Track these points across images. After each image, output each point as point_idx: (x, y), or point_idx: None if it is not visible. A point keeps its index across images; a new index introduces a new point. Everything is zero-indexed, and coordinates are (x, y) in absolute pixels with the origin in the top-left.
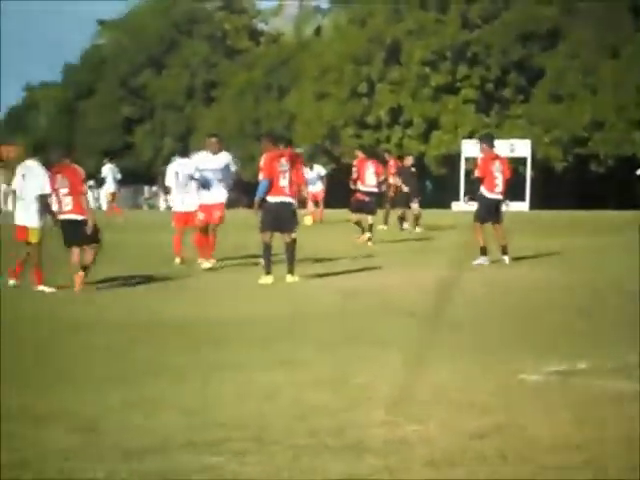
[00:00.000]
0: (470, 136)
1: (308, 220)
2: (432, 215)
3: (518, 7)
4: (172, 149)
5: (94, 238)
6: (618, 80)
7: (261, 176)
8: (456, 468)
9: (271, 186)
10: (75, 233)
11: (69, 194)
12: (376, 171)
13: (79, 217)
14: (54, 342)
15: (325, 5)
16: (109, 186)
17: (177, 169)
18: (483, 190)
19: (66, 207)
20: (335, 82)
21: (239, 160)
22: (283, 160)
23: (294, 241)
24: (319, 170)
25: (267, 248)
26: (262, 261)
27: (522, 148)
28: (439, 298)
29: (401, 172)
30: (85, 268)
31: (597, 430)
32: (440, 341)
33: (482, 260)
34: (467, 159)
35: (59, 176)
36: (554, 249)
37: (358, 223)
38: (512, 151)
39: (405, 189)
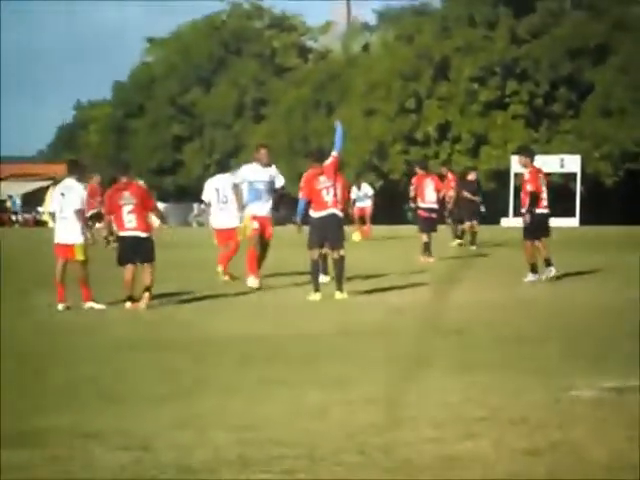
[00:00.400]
0: (519, 152)
1: (356, 236)
2: (482, 231)
3: (567, 22)
4: (221, 165)
5: (153, 256)
6: None
7: (300, 195)
8: None
9: (314, 203)
10: (136, 250)
11: (134, 211)
12: (436, 187)
13: (143, 234)
14: (105, 359)
15: (373, 22)
16: None
17: (217, 185)
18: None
19: (129, 224)
20: (383, 98)
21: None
22: (323, 177)
23: (342, 258)
24: (366, 190)
25: (315, 265)
26: (311, 278)
27: (572, 163)
28: (485, 315)
29: (465, 187)
30: (148, 287)
31: None
32: (488, 359)
33: (532, 277)
34: (516, 174)
35: (126, 193)
36: (604, 265)
37: (427, 244)
38: (562, 166)
39: (477, 199)
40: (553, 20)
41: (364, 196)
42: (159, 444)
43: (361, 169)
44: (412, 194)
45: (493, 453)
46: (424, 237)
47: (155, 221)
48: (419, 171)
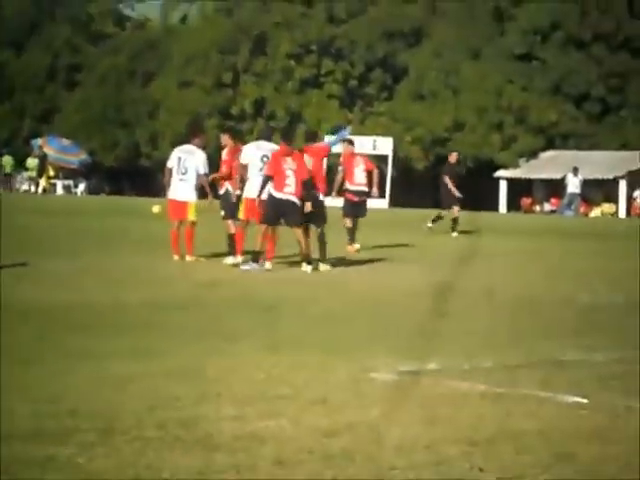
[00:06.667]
0: (333, 132)
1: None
2: None
3: (384, 4)
4: (32, 130)
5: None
6: (478, 82)
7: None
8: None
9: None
10: (289, 213)
11: (295, 177)
12: (366, 167)
13: (296, 199)
14: None
15: None
16: None
17: (179, 154)
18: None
19: (287, 188)
20: (200, 71)
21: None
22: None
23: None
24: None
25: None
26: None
27: (384, 146)
28: (295, 293)
29: (447, 170)
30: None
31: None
32: (295, 337)
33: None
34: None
35: (289, 159)
36: (410, 248)
37: (351, 229)
38: (374, 148)
39: (457, 194)
40: (370, 1)
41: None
42: None
43: (177, 141)
44: (340, 175)
45: (292, 431)
46: (347, 222)
47: None
48: (348, 148)
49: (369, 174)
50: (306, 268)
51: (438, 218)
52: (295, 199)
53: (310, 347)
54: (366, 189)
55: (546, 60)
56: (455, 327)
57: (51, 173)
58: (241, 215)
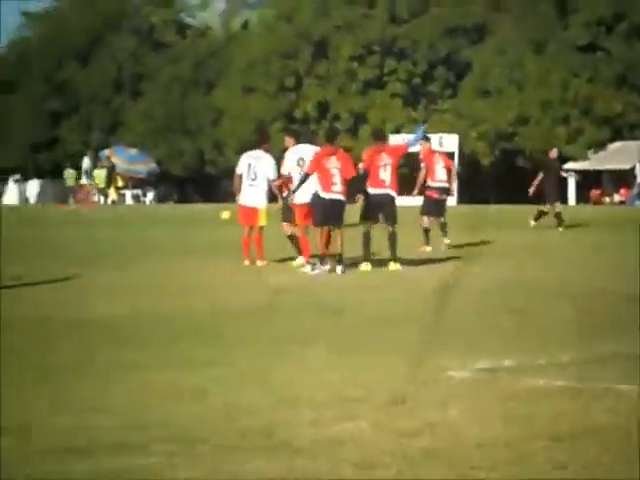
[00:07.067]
0: (398, 131)
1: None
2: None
3: (445, 2)
4: (100, 142)
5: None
6: (543, 76)
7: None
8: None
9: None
10: (336, 213)
11: (340, 176)
12: (446, 165)
13: (343, 198)
14: None
15: (253, 0)
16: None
17: (249, 160)
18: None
19: (334, 187)
20: (262, 76)
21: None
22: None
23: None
24: None
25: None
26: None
27: (450, 142)
28: (360, 296)
29: (546, 166)
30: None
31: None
32: (366, 339)
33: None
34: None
35: (333, 158)
36: (486, 246)
37: (427, 230)
38: (440, 145)
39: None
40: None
41: None
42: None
43: (241, 148)
44: (423, 172)
45: (371, 433)
46: (425, 221)
47: None
48: (426, 145)
49: (449, 171)
50: (338, 269)
51: (542, 214)
52: (342, 197)
53: (383, 348)
54: (447, 185)
55: (610, 51)
56: (529, 323)
57: (120, 183)
58: (298, 221)
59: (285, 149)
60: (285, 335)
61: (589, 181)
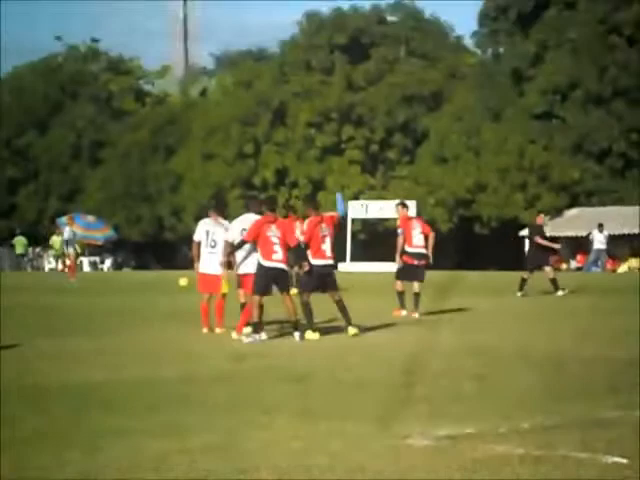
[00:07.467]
0: (356, 197)
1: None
2: None
3: (402, 70)
4: (57, 209)
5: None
6: (500, 143)
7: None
8: None
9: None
10: (278, 280)
11: (280, 244)
12: (423, 231)
13: (285, 267)
14: None
15: (211, 66)
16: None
17: (207, 227)
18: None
19: (275, 255)
20: (222, 143)
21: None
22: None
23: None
24: None
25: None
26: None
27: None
28: (326, 361)
29: (533, 231)
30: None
31: None
32: (330, 405)
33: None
34: (353, 220)
35: (273, 226)
36: (440, 311)
37: (401, 293)
38: (398, 212)
39: (557, 247)
40: (388, 67)
41: None
42: None
43: (200, 214)
44: (400, 239)
45: None
46: (399, 285)
47: None
48: (402, 211)
49: (426, 237)
50: (295, 335)
51: (524, 281)
52: (283, 266)
53: (344, 415)
54: (425, 251)
55: (566, 119)
56: (489, 389)
57: (78, 250)
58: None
59: (304, 217)
60: (249, 402)
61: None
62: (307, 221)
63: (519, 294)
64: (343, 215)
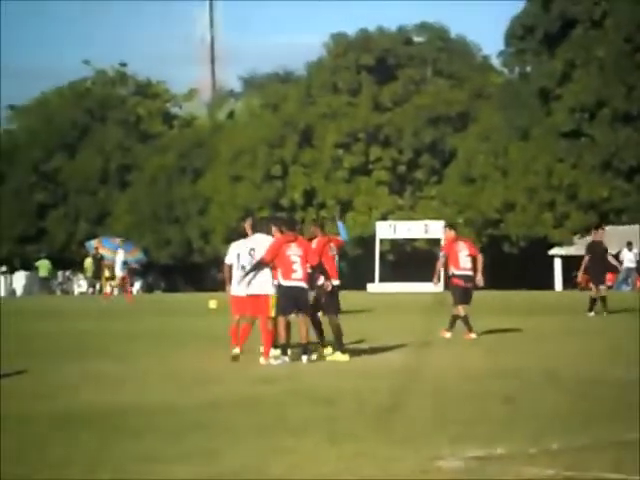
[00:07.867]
0: (384, 217)
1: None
2: (349, 297)
3: (428, 90)
4: (86, 233)
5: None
6: (528, 162)
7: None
8: None
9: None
10: (298, 300)
11: (301, 263)
12: (470, 252)
13: (305, 285)
14: None
15: (238, 89)
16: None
17: (238, 250)
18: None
19: (294, 274)
20: (249, 165)
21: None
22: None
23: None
24: None
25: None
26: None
27: (436, 229)
28: (354, 383)
29: (591, 249)
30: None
31: None
32: (359, 428)
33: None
34: (382, 240)
35: (293, 245)
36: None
37: (465, 317)
38: (426, 232)
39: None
40: (415, 88)
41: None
42: None
43: (227, 237)
44: (442, 260)
45: None
46: (461, 310)
47: None
48: (449, 233)
49: (474, 259)
50: (302, 358)
51: (594, 301)
52: (304, 284)
53: (373, 438)
54: (471, 274)
55: (594, 137)
56: (519, 410)
57: (107, 274)
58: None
59: (311, 238)
60: (277, 425)
61: (575, 266)
62: (315, 241)
63: (591, 314)
64: (347, 242)
